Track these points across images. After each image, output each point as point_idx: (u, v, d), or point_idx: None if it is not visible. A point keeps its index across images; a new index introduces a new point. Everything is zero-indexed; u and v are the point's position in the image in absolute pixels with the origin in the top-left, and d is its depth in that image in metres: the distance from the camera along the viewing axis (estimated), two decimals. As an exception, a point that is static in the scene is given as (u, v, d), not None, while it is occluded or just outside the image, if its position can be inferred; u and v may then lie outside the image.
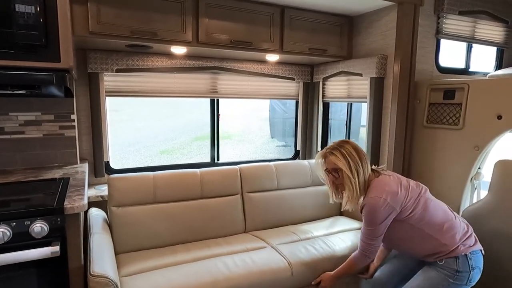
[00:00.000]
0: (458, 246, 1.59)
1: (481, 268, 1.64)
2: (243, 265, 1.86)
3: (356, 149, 1.69)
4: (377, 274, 1.91)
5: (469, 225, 1.72)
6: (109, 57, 2.33)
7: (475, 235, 1.69)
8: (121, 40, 2.01)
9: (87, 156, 2.41)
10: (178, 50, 2.31)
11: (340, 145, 1.70)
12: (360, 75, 2.52)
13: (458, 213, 2.13)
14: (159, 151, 8.53)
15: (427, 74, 2.49)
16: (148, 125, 10.00)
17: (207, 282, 1.71)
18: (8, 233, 1.29)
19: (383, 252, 1.94)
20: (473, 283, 1.63)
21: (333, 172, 1.70)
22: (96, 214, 2.07)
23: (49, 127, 2.15)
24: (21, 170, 2.03)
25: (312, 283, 1.95)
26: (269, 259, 1.95)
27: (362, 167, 1.66)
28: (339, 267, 1.86)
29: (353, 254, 1.80)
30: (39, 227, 1.32)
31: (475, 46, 2.75)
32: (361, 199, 1.69)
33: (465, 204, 2.16)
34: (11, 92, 1.72)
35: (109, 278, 1.41)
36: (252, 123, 10.32)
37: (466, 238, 1.63)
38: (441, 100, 2.25)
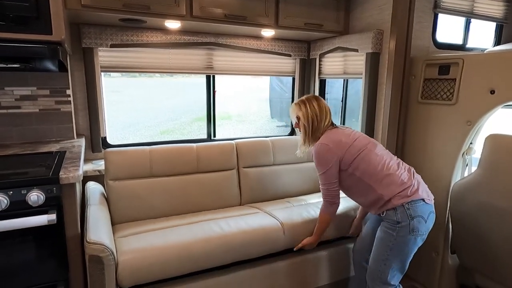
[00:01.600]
0: (394, 196, 1.66)
1: (425, 217, 1.67)
2: (236, 225, 1.93)
3: (319, 104, 1.91)
4: (357, 242, 2.04)
5: (415, 177, 1.75)
6: (103, 32, 2.32)
7: (419, 186, 1.71)
8: (114, 13, 1.99)
9: (84, 131, 2.44)
10: (172, 24, 2.30)
11: (308, 98, 1.94)
12: (356, 50, 2.50)
13: (449, 187, 2.16)
14: (159, 131, 8.56)
15: (423, 50, 2.47)
16: (148, 106, 10.00)
17: (200, 239, 1.77)
18: (5, 201, 1.33)
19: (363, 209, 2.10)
20: (421, 233, 1.67)
21: (296, 119, 1.95)
22: (94, 187, 2.12)
23: (45, 102, 2.17)
24: (19, 144, 2.06)
25: (294, 249, 2.00)
26: (262, 220, 2.01)
27: (318, 119, 1.87)
28: (316, 228, 1.98)
29: (320, 208, 1.94)
30: (35, 196, 1.36)
31: (473, 22, 2.72)
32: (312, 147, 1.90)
33: (456, 178, 2.19)
34: (5, 65, 1.73)
35: (104, 245, 1.46)
36: (252, 104, 10.29)
37: (404, 189, 1.67)
38: (436, 76, 2.25)
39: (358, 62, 2.55)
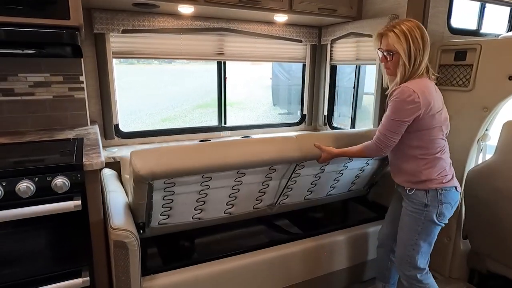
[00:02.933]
0: (432, 180, 1.61)
1: (453, 205, 1.67)
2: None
3: (423, 37, 1.55)
4: (381, 230, 2.00)
5: (452, 168, 1.72)
6: (114, 17, 2.28)
7: (454, 174, 1.69)
8: (128, -3, 1.96)
9: (96, 118, 2.43)
10: (186, 9, 2.26)
11: (410, 28, 1.54)
12: (370, 36, 2.48)
13: (463, 173, 2.17)
14: (160, 118, 8.53)
15: (438, 35, 2.44)
16: (149, 93, 9.94)
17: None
18: (32, 188, 1.33)
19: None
20: (445, 219, 1.67)
21: (389, 51, 1.58)
22: (110, 174, 2.12)
23: (58, 89, 2.15)
24: (34, 131, 2.05)
25: (315, 144, 1.81)
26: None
27: (421, 57, 1.56)
28: (347, 148, 1.78)
29: (366, 142, 1.71)
30: (61, 182, 1.36)
31: (488, 6, 2.68)
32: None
33: (471, 165, 2.20)
34: (20, 51, 1.70)
35: (129, 231, 1.47)
36: (254, 91, 10.24)
37: (443, 176, 1.63)
38: (451, 62, 2.23)
39: (371, 48, 2.52)
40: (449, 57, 2.23)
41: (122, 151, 2.38)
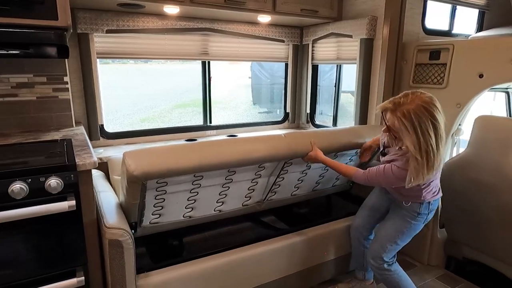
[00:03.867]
0: (427, 196, 1.74)
1: (435, 210, 1.82)
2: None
3: (435, 127, 1.42)
4: (356, 219, 2.10)
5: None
6: (98, 17, 2.27)
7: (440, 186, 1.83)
8: (114, -2, 1.96)
9: (81, 119, 2.40)
10: (171, 10, 2.28)
11: (420, 118, 1.39)
12: (350, 36, 2.58)
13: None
14: (139, 119, 8.40)
15: (414, 36, 2.58)
16: (126, 94, 9.75)
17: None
18: (25, 189, 1.32)
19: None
20: (428, 222, 1.84)
21: (395, 133, 1.53)
22: (97, 175, 2.11)
23: (42, 90, 2.11)
24: (19, 133, 2.01)
25: (311, 141, 1.86)
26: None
27: (434, 151, 1.44)
28: (335, 161, 1.85)
29: (357, 169, 1.78)
30: (55, 183, 1.36)
31: (458, 9, 2.84)
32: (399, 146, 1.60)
33: (446, 158, 2.34)
34: (5, 52, 1.68)
35: (124, 229, 1.49)
36: (233, 90, 10.26)
37: (436, 190, 1.78)
38: (427, 61, 2.36)
39: (351, 48, 2.63)
40: (425, 57, 2.36)
41: (108, 152, 2.37)
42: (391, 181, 1.63)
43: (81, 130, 2.13)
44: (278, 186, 2.09)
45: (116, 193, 2.03)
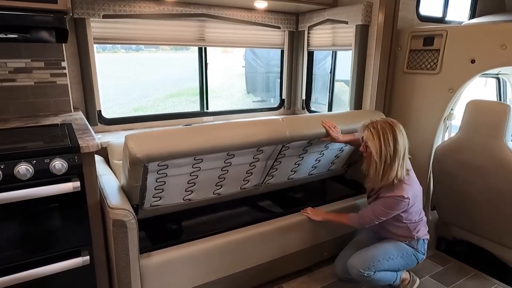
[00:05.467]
0: (422, 233, 1.93)
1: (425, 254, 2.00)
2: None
3: (395, 138, 1.71)
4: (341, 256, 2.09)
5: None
6: (95, 1, 2.26)
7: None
8: (112, -18, 1.96)
9: (78, 105, 2.41)
10: (168, -6, 2.28)
11: (383, 128, 1.72)
12: (346, 22, 2.60)
13: (431, 150, 2.37)
14: (132, 108, 8.36)
15: (408, 22, 2.61)
16: (118, 83, 9.66)
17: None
18: (30, 170, 1.35)
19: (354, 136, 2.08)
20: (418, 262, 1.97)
21: (365, 143, 1.81)
22: (97, 159, 2.12)
23: (40, 75, 2.12)
24: (17, 118, 2.02)
25: (301, 211, 2.16)
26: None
27: (390, 159, 1.71)
28: (333, 214, 2.12)
29: (351, 214, 2.00)
30: (59, 164, 1.38)
31: (452, -4, 2.87)
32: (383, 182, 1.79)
33: (438, 142, 2.41)
34: (4, 36, 1.67)
35: (127, 210, 1.52)
36: (227, 79, 10.22)
37: (426, 229, 1.97)
38: (420, 47, 2.40)
39: (347, 34, 2.66)
40: (419, 43, 2.40)
41: (107, 137, 2.39)
42: (381, 212, 1.82)
43: (80, 115, 2.15)
44: (275, 169, 2.13)
45: (117, 178, 2.06)
